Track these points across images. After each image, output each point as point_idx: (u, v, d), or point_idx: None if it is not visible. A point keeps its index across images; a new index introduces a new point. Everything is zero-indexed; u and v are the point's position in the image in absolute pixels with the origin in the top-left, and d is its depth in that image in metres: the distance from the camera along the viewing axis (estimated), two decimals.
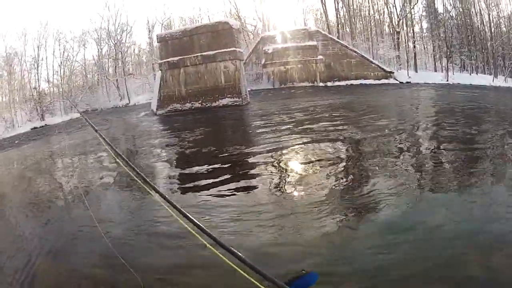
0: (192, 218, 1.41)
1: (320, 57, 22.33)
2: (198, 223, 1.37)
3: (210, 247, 1.34)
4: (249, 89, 19.20)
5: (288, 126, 10.58)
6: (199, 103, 17.91)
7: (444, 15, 25.13)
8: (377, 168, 5.92)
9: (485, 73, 23.41)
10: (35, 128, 21.40)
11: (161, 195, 1.52)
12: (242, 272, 1.18)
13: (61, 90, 25.13)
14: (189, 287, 3.26)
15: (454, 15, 24.96)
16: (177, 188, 6.19)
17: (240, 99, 17.26)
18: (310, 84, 22.09)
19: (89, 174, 8.04)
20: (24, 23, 41.02)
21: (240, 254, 1.21)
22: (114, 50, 25.40)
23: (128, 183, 6.37)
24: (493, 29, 24.36)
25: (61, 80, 25.46)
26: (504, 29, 24.64)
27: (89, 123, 2.09)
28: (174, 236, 3.94)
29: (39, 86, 24.75)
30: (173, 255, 3.73)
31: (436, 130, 8.65)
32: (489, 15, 24.16)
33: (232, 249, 1.23)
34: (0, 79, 25.32)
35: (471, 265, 3.05)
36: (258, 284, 1.09)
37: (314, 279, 1.13)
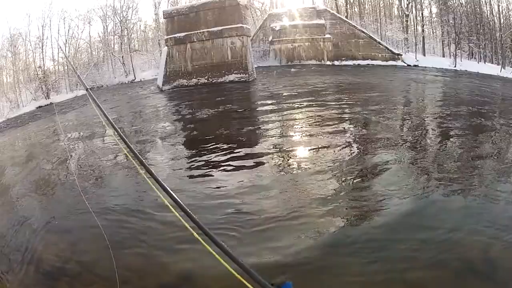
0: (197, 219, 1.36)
1: (328, 35, 22.09)
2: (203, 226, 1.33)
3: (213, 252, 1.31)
4: (255, 66, 19.07)
5: (293, 103, 10.42)
6: (205, 79, 17.82)
7: (454, 1, 24.78)
8: (382, 149, 5.88)
9: (492, 63, 23.14)
10: (40, 106, 21.30)
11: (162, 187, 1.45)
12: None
13: (66, 68, 25.02)
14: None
15: (463, 2, 24.62)
16: (180, 167, 6.01)
17: (247, 75, 17.16)
18: (318, 63, 21.82)
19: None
20: (28, 4, 40.71)
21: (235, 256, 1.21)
22: (120, 27, 25.23)
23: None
24: (502, 20, 24.04)
25: (66, 58, 25.32)
26: None
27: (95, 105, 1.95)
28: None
29: (44, 65, 24.69)
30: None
31: (443, 118, 8.23)
32: (498, 6, 23.88)
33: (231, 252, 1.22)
34: (5, 60, 25.21)
35: (473, 255, 3.04)
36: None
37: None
